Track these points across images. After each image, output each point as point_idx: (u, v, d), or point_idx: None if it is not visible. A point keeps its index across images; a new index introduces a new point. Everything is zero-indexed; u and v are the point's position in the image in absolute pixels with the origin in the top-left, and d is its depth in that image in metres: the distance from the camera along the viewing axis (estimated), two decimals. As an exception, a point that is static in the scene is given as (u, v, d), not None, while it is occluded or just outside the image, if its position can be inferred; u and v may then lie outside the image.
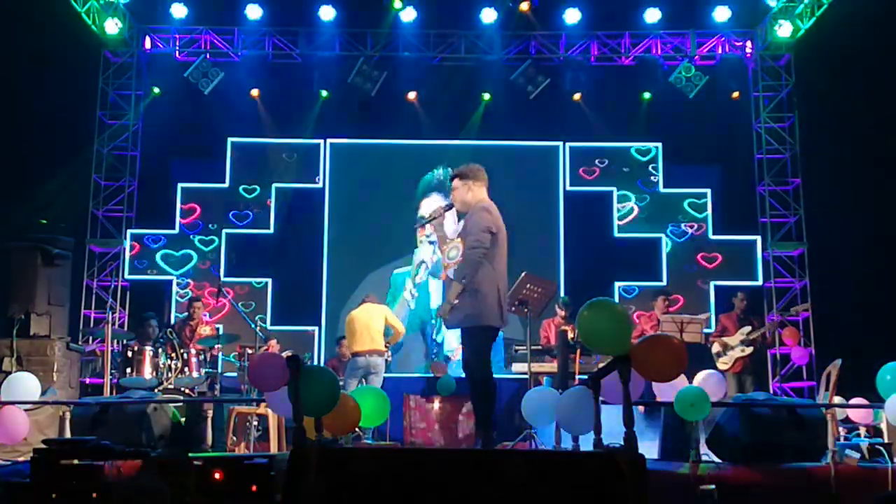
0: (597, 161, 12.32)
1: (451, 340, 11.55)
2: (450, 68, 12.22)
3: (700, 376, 6.72)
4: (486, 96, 12.21)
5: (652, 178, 12.27)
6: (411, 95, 12.22)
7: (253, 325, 9.28)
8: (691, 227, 12.15)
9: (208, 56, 11.90)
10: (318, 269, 12.00)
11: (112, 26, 11.61)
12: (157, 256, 11.90)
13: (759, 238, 11.99)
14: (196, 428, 7.61)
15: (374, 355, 9.33)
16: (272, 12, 12.00)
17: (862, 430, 7.64)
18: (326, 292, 11.96)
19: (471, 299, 5.90)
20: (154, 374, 8.63)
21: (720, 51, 12.29)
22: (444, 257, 6.38)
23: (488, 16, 11.89)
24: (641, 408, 6.82)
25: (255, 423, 8.53)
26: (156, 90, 12.07)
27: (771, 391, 11.15)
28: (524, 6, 11.76)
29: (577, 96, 12.19)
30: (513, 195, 10.30)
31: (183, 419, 7.11)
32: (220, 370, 9.81)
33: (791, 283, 11.87)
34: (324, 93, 12.17)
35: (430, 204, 11.65)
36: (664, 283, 11.80)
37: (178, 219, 12.01)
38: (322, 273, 12.00)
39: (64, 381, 9.10)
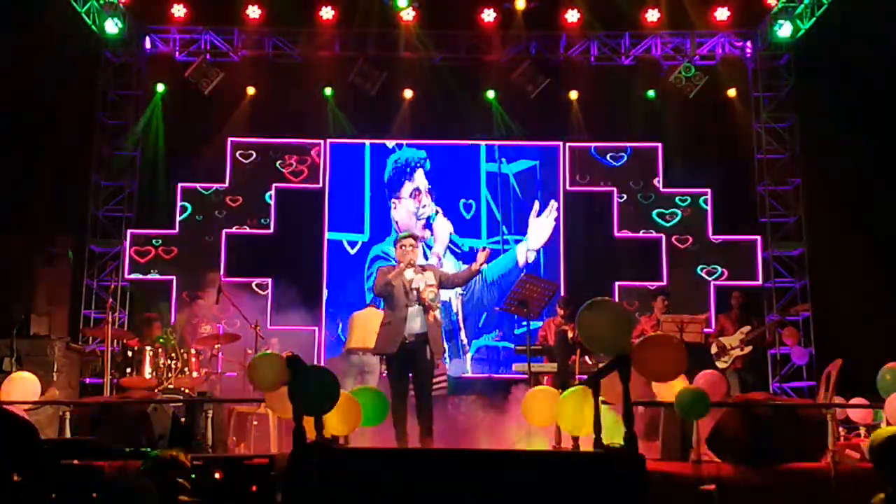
0: (597, 161, 12.33)
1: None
2: (450, 68, 12.21)
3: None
4: (490, 94, 12.19)
5: (652, 177, 12.26)
6: (410, 95, 12.21)
7: (252, 325, 9.25)
8: (691, 227, 12.14)
9: (208, 56, 11.90)
10: (318, 269, 12.00)
11: (112, 26, 11.60)
12: (157, 256, 11.89)
13: (759, 238, 11.98)
14: (196, 428, 7.60)
15: (368, 354, 9.30)
16: (272, 12, 11.97)
17: (862, 430, 7.65)
18: (327, 292, 11.96)
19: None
20: (154, 374, 8.62)
21: (720, 51, 12.28)
22: (425, 299, 6.93)
23: (488, 16, 11.88)
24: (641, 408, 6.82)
25: (255, 423, 8.51)
26: (160, 88, 12.05)
27: (771, 391, 11.14)
28: (520, 3, 11.72)
29: (572, 94, 12.17)
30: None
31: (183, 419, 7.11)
32: (220, 370, 9.79)
33: (791, 283, 11.86)
34: (328, 90, 12.16)
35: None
36: (664, 283, 11.79)
37: (177, 219, 12.00)
38: (322, 273, 12.00)
39: (64, 381, 9.08)
